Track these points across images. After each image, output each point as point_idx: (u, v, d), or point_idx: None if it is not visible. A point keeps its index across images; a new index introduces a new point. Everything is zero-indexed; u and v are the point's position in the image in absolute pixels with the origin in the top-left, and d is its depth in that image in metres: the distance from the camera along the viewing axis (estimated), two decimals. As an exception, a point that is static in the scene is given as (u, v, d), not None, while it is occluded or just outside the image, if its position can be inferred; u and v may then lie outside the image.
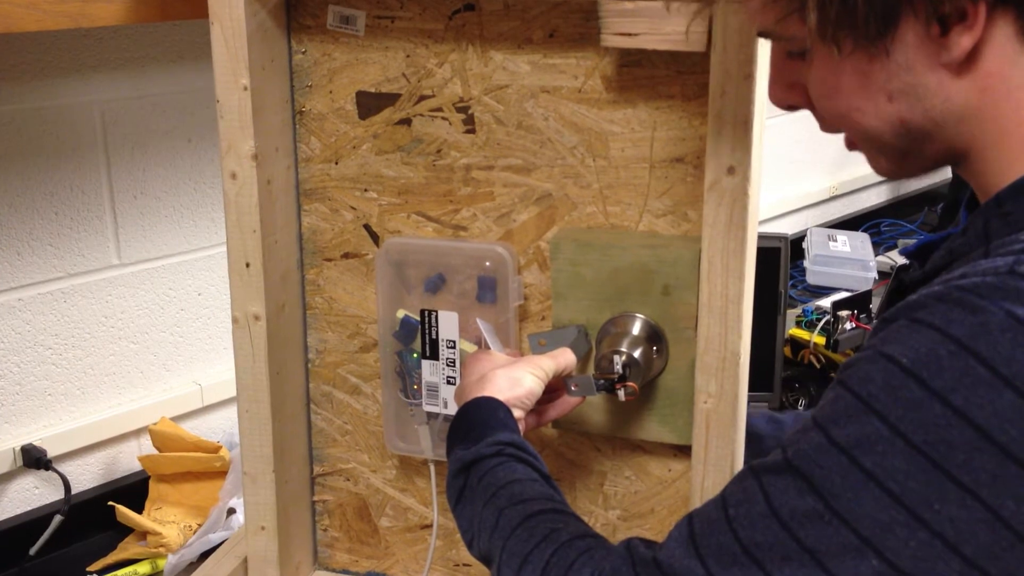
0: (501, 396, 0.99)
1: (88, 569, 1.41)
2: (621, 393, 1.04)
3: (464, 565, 1.29)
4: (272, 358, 1.20)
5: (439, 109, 1.14)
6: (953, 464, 0.63)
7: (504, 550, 0.85)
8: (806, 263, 2.49)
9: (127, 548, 1.44)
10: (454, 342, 1.17)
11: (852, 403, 0.67)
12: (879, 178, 3.10)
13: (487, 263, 1.15)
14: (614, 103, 1.08)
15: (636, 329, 1.08)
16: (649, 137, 1.07)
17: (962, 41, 0.69)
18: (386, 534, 1.32)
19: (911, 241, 2.78)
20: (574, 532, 0.83)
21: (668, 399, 1.10)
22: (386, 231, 1.20)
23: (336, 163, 1.20)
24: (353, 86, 1.17)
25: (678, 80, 1.05)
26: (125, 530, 1.47)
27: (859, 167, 2.98)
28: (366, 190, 1.20)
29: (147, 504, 1.50)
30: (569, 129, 1.10)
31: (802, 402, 1.83)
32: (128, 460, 1.57)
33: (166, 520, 1.46)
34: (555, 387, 1.06)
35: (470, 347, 1.16)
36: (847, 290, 2.31)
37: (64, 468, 1.47)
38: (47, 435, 1.47)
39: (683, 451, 1.13)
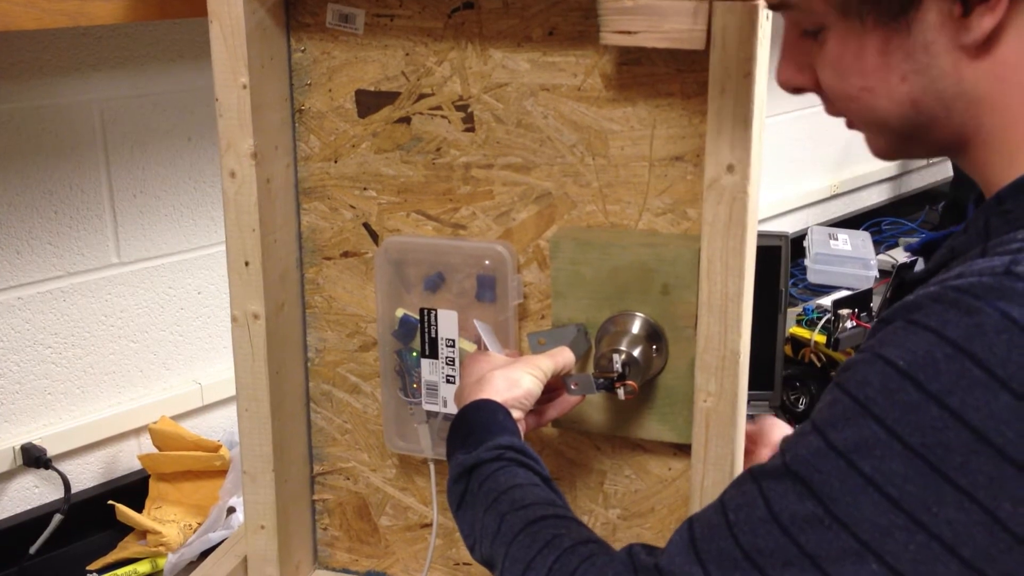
0: (499, 398, 0.98)
1: (88, 568, 1.41)
2: (621, 392, 1.04)
3: (464, 564, 1.29)
4: (271, 357, 1.20)
5: (438, 107, 1.14)
6: (950, 467, 0.63)
7: (507, 556, 0.85)
8: (807, 261, 2.49)
9: (127, 547, 1.44)
10: (453, 341, 1.17)
11: (850, 406, 0.67)
12: (880, 177, 3.12)
13: (486, 262, 1.15)
14: (613, 101, 1.07)
15: (636, 328, 1.08)
16: (649, 135, 1.07)
17: (983, 22, 0.70)
18: (386, 533, 1.31)
19: (912, 240, 2.78)
20: (576, 538, 0.83)
21: (668, 398, 1.10)
22: (385, 230, 1.20)
23: (335, 161, 1.20)
24: (352, 84, 1.17)
25: (678, 78, 1.05)
26: (125, 529, 1.47)
27: (860, 166, 2.99)
28: (365, 189, 1.20)
29: (147, 503, 1.50)
30: (568, 127, 1.10)
31: (802, 401, 1.83)
32: (128, 459, 1.57)
33: (166, 519, 1.46)
34: (555, 386, 1.06)
35: (470, 346, 1.16)
36: (848, 288, 2.31)
37: (64, 467, 1.47)
38: (47, 434, 1.47)
39: (683, 450, 1.13)
